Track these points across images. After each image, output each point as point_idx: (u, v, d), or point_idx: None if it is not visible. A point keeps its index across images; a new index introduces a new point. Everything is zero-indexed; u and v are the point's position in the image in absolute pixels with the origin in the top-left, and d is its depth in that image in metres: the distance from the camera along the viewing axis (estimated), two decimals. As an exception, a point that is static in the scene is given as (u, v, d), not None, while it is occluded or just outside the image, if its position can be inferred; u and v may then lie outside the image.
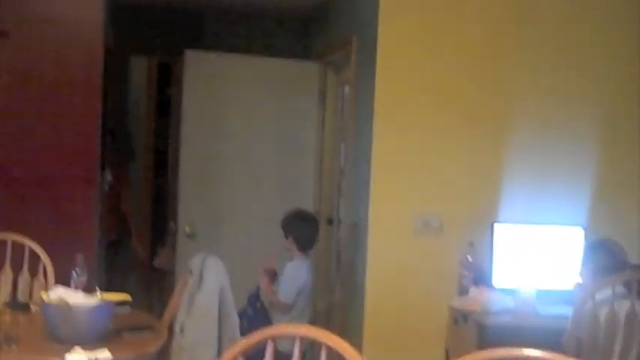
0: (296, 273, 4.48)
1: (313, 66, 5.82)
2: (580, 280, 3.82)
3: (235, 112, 5.65)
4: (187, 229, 5.43)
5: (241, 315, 3.99)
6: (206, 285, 3.60)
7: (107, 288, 3.14)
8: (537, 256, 4.35)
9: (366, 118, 4.54)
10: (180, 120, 5.61)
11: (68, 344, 2.68)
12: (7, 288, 3.78)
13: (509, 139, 4.53)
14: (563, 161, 4.56)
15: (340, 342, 1.89)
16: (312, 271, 4.71)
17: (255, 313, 4.33)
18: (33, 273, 3.78)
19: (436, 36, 4.50)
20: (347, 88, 5.32)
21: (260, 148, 5.70)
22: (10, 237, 3.80)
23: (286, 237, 4.53)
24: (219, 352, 3.49)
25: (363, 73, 4.72)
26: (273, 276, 4.47)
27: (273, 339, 1.97)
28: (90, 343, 2.73)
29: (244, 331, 3.83)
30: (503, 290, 4.17)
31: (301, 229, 4.57)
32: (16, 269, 3.79)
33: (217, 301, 3.56)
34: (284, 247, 4.55)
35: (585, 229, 4.39)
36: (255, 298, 4.40)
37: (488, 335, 3.87)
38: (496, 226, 4.38)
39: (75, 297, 2.94)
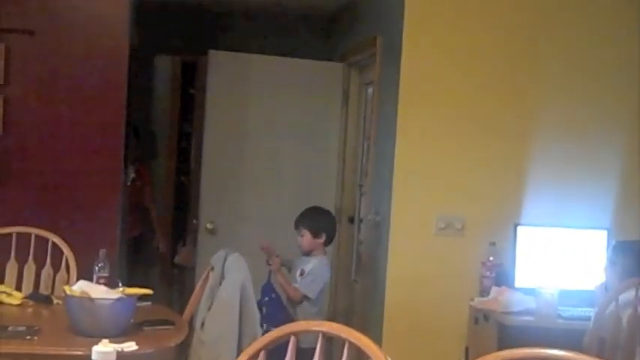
0: (323, 269, 4.51)
1: (337, 66, 5.83)
2: (603, 279, 3.79)
3: (258, 111, 5.67)
4: (209, 226, 5.45)
5: (258, 306, 4.01)
6: (228, 281, 3.61)
7: (129, 283, 3.16)
8: (559, 257, 4.33)
9: (390, 118, 4.54)
10: (204, 119, 5.64)
11: (90, 337, 2.70)
12: (30, 281, 3.82)
13: (532, 142, 4.51)
14: (587, 164, 4.53)
15: (363, 338, 1.89)
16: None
17: (272, 302, 4.34)
18: (56, 267, 3.81)
19: (461, 39, 4.48)
20: (370, 89, 5.32)
21: (282, 147, 5.72)
22: (34, 231, 3.83)
23: (314, 234, 4.50)
24: (240, 348, 3.49)
25: (387, 74, 4.72)
26: (273, 253, 4.49)
27: (296, 335, 1.98)
28: (112, 336, 2.74)
29: (262, 321, 3.91)
30: (525, 291, 4.14)
31: (330, 224, 4.61)
32: (39, 263, 3.83)
33: (239, 296, 3.57)
34: (302, 243, 4.53)
35: (609, 232, 4.36)
36: (269, 288, 4.41)
37: (508, 335, 3.86)
38: (519, 228, 4.36)
39: (97, 290, 2.96)
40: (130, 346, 2.68)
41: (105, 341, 1.39)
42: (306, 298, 4.39)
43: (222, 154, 5.61)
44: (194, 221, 5.65)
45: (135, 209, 5.68)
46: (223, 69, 5.57)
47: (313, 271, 4.46)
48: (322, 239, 4.52)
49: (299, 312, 4.41)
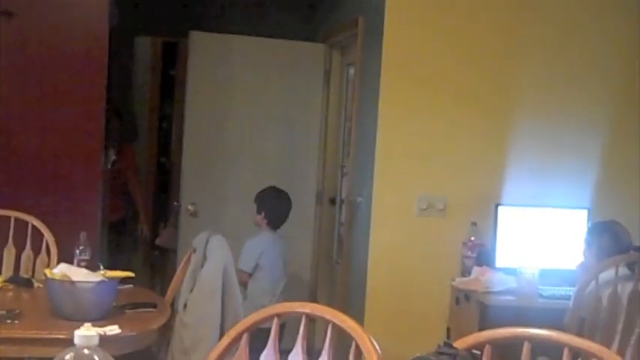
0: (254, 243, 4.73)
1: (318, 47, 5.80)
2: (582, 260, 3.82)
3: (239, 92, 5.64)
4: (190, 208, 5.44)
5: None
6: (210, 262, 3.60)
7: (111, 267, 3.14)
8: (540, 237, 4.36)
9: (372, 99, 4.53)
10: (185, 101, 5.60)
11: (72, 320, 2.70)
12: (10, 265, 3.79)
13: (513, 121, 4.52)
14: (568, 144, 4.55)
15: (346, 319, 1.89)
16: (282, 246, 4.88)
17: None
18: (36, 250, 3.79)
19: (443, 18, 4.48)
20: (352, 70, 5.31)
21: (264, 128, 5.69)
22: (14, 214, 3.80)
23: (257, 211, 4.79)
24: (222, 330, 3.50)
25: (369, 55, 4.70)
26: None
27: (279, 316, 1.98)
28: (94, 319, 2.73)
29: None
30: (506, 270, 4.17)
31: (271, 205, 4.81)
32: (19, 247, 3.80)
33: (221, 278, 3.57)
34: (255, 222, 4.81)
35: (589, 212, 4.39)
36: None
37: (490, 315, 3.88)
38: (499, 208, 4.38)
39: (78, 273, 2.94)
40: (113, 330, 2.68)
41: (87, 325, 1.37)
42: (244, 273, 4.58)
43: (203, 136, 5.58)
44: (175, 203, 5.63)
45: (118, 193, 5.65)
46: (204, 50, 5.53)
47: (245, 246, 4.67)
48: (262, 216, 4.75)
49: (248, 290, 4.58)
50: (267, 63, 5.65)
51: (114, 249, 5.48)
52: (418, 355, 1.45)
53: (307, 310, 1.97)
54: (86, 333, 1.44)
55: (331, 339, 1.89)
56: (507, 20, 4.52)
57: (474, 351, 1.70)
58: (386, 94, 4.44)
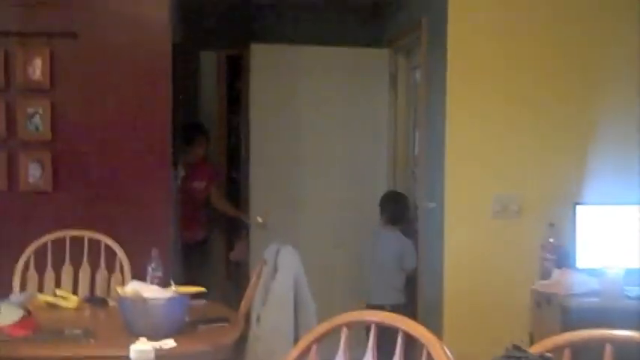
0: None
1: (383, 52, 5.75)
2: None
3: (305, 102, 5.62)
4: (260, 220, 5.42)
5: None
6: (280, 274, 3.57)
7: (191, 284, 3.14)
8: (622, 236, 4.19)
9: (439, 101, 4.44)
10: (249, 112, 5.60)
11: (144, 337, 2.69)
12: (86, 284, 3.84)
13: (589, 119, 4.38)
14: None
15: (417, 327, 1.83)
16: None
17: None
18: (110, 269, 3.82)
19: (508, 17, 4.36)
20: (418, 73, 5.23)
21: (332, 137, 5.67)
22: (87, 234, 3.85)
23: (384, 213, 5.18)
24: (296, 341, 3.45)
25: (433, 57, 4.62)
26: None
27: (348, 326, 1.92)
28: (166, 335, 2.74)
29: None
30: (588, 271, 4.03)
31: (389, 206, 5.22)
32: (94, 266, 3.84)
33: (292, 289, 3.53)
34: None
35: (673, 207, 4.21)
36: None
37: (573, 318, 3.75)
38: (578, 207, 4.23)
39: (150, 290, 2.95)
40: (168, 344, 2.66)
41: (143, 339, 1.35)
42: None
43: (269, 147, 5.57)
44: (245, 216, 5.62)
45: (199, 211, 5.62)
46: (266, 61, 5.52)
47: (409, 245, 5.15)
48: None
49: None
50: (332, 71, 5.63)
51: (197, 269, 5.45)
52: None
53: (377, 319, 1.91)
54: (141, 347, 1.41)
55: (401, 347, 1.82)
56: (574, 21, 4.37)
57: (547, 354, 1.62)
58: (453, 97, 4.35)
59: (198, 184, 5.58)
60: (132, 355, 1.32)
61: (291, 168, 5.60)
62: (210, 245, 6.05)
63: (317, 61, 5.59)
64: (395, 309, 4.28)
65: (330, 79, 5.62)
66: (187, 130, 5.57)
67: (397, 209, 5.22)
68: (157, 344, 2.51)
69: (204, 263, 5.84)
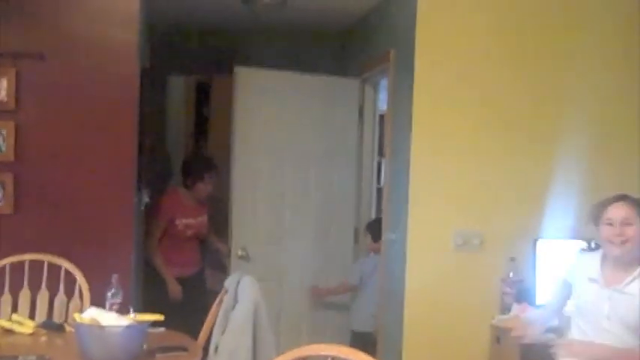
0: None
1: (353, 82, 5.78)
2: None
3: (280, 129, 5.58)
4: (240, 252, 5.39)
5: None
6: (240, 303, 3.55)
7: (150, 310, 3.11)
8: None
9: (405, 134, 4.47)
10: (233, 139, 5.47)
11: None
12: (44, 309, 3.79)
13: (550, 156, 4.45)
14: (608, 176, 4.44)
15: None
16: None
17: None
18: (69, 295, 3.77)
19: (474, 51, 4.43)
20: (385, 104, 5.26)
21: (306, 165, 5.66)
22: (46, 258, 3.80)
23: (375, 240, 5.28)
24: (254, 372, 3.44)
25: (400, 88, 4.66)
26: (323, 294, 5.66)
27: (306, 359, 1.93)
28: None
29: None
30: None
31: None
32: (53, 290, 3.79)
33: (252, 319, 3.50)
34: (371, 249, 5.45)
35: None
36: None
37: (532, 354, 3.77)
38: (539, 242, 4.27)
39: (107, 317, 2.92)
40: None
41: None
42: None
43: (248, 174, 5.48)
44: (225, 247, 5.53)
45: (191, 243, 5.47)
46: (248, 86, 5.46)
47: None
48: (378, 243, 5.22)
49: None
50: (305, 98, 5.61)
51: (189, 304, 5.18)
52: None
53: (333, 352, 1.91)
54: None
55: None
56: (549, 45, 4.47)
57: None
58: (418, 128, 4.40)
59: (203, 219, 5.47)
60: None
61: (270, 198, 5.55)
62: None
63: (291, 88, 5.56)
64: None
65: (307, 106, 5.63)
66: (197, 164, 5.48)
67: None
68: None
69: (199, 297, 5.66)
